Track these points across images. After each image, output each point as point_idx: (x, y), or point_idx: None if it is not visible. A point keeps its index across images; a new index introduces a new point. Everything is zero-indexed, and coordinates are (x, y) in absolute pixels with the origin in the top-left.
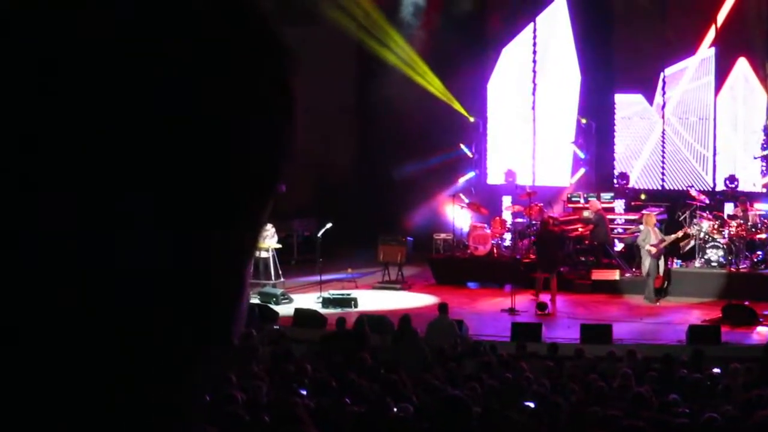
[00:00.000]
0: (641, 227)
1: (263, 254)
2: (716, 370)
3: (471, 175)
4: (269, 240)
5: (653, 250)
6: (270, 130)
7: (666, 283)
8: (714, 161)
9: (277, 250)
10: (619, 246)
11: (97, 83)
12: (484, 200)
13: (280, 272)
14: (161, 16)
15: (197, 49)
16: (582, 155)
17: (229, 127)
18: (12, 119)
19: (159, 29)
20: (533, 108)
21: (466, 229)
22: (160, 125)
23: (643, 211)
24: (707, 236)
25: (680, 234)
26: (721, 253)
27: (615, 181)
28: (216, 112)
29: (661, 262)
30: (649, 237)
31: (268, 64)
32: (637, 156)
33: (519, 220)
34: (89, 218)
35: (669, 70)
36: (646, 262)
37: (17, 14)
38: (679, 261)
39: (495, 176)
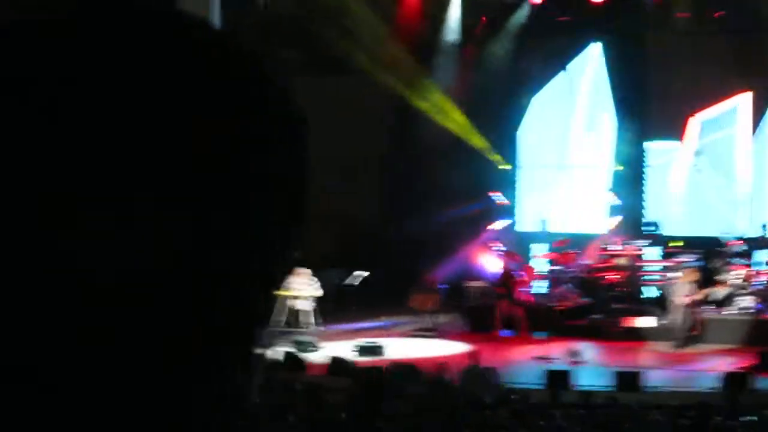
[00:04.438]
0: (678, 274)
1: (306, 306)
2: (752, 418)
3: (504, 223)
4: (312, 290)
5: (686, 300)
6: (286, 202)
7: (699, 331)
8: (749, 208)
9: (317, 298)
10: (652, 293)
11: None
12: (516, 248)
13: (319, 321)
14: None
15: (221, 130)
16: (619, 202)
17: (248, 201)
18: None
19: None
20: (568, 155)
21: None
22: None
23: (676, 258)
24: (742, 283)
25: (711, 291)
26: (756, 300)
27: (648, 228)
28: (235, 188)
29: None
30: (681, 289)
31: (285, 139)
32: (670, 203)
33: (555, 267)
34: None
35: (702, 116)
36: (676, 311)
37: None
38: (714, 308)
39: (527, 224)
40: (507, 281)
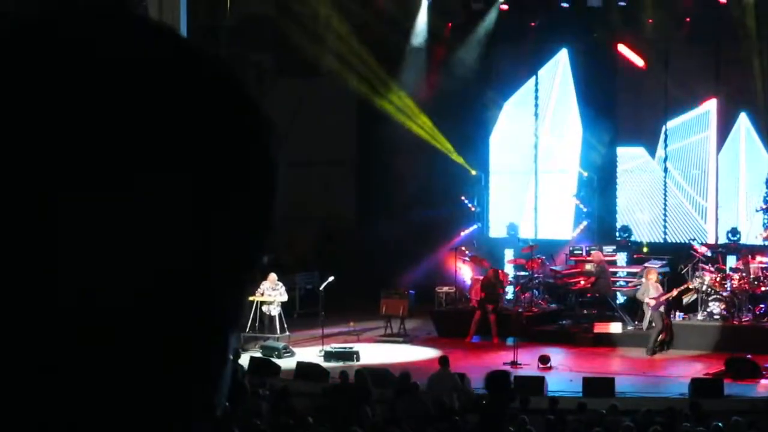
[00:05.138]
0: (642, 280)
1: (272, 311)
2: (718, 424)
3: (473, 228)
4: (278, 295)
5: (652, 302)
6: (254, 208)
7: (668, 336)
8: (716, 214)
9: (282, 303)
10: (621, 299)
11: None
12: (486, 253)
13: (285, 326)
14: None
15: (188, 138)
16: (584, 208)
17: (215, 205)
18: None
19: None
20: (535, 161)
21: (468, 282)
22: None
23: (646, 265)
24: (709, 289)
25: (681, 288)
26: (723, 306)
27: (617, 234)
28: (201, 194)
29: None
30: (649, 291)
31: (253, 145)
32: (639, 209)
33: (522, 273)
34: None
35: (671, 123)
36: (648, 316)
37: None
38: (681, 314)
39: (497, 229)
40: (495, 288)
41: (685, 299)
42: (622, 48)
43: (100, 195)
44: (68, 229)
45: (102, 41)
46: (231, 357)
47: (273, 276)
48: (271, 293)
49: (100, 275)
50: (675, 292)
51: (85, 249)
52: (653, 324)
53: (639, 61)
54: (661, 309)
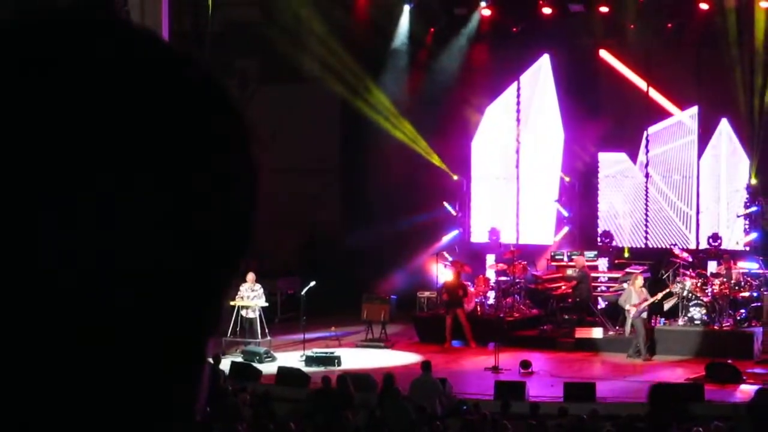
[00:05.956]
0: (625, 285)
1: (250, 314)
2: (699, 429)
3: (455, 233)
4: (257, 299)
5: (633, 310)
6: (235, 212)
7: (648, 341)
8: (697, 219)
9: (262, 308)
10: (602, 304)
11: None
12: (468, 258)
13: (267, 331)
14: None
15: (166, 138)
16: (566, 213)
17: (194, 210)
18: None
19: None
20: (517, 166)
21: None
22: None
23: (627, 270)
24: (690, 294)
25: (665, 292)
26: (704, 311)
27: (598, 239)
28: (182, 195)
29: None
30: (631, 297)
31: (234, 148)
32: (620, 214)
33: (503, 278)
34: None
35: (652, 129)
36: (629, 321)
37: None
38: (663, 319)
39: (479, 234)
40: (456, 291)
41: (667, 305)
42: (603, 54)
43: (83, 196)
44: (51, 229)
45: (84, 45)
46: (209, 360)
47: (251, 276)
48: (250, 294)
49: (83, 277)
50: (659, 296)
51: (67, 249)
52: (635, 330)
53: (621, 67)
54: (644, 315)
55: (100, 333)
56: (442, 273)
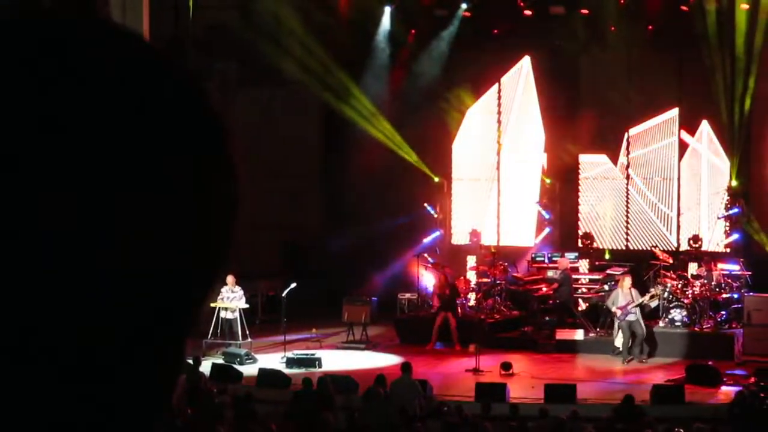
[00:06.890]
0: (606, 287)
1: (229, 315)
2: (680, 430)
3: (436, 235)
4: (236, 301)
5: (618, 312)
6: (214, 214)
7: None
8: (678, 221)
9: (243, 310)
10: (583, 305)
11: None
12: (449, 260)
13: (247, 332)
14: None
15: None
16: (546, 215)
17: (173, 212)
18: None
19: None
20: (498, 168)
21: (430, 288)
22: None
23: (608, 271)
24: (671, 296)
25: (652, 294)
26: (684, 312)
27: (579, 240)
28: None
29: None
30: (618, 299)
31: (212, 151)
32: (601, 216)
33: (484, 280)
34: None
35: (633, 131)
36: (617, 324)
37: None
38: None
39: (459, 236)
40: (443, 292)
41: (647, 307)
42: (583, 55)
43: (67, 196)
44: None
45: (66, 43)
46: (185, 361)
47: (231, 278)
48: (230, 296)
49: (72, 278)
50: (646, 297)
51: (53, 249)
52: (621, 333)
53: (601, 69)
54: (630, 318)
55: (99, 333)
56: (423, 275)
